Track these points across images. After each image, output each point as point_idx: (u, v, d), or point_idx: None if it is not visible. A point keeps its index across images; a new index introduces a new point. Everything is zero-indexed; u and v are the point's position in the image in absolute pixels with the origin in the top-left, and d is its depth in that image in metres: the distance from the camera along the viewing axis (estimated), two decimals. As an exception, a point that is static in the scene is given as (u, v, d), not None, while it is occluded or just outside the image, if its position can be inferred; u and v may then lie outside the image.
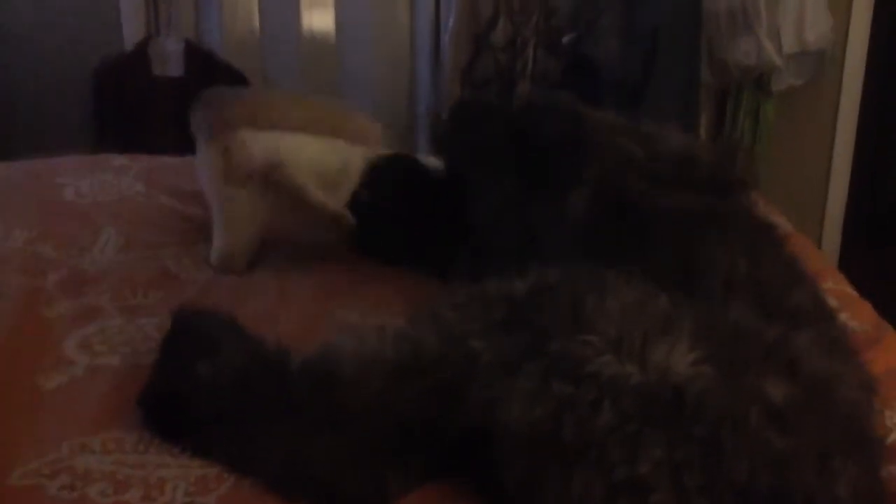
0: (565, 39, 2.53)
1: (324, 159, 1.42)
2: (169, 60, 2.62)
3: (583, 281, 0.92)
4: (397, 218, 1.43)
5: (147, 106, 2.62)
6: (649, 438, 0.77)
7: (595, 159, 1.20)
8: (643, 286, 0.91)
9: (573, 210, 1.19)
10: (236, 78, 2.64)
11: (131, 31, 2.67)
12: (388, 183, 1.44)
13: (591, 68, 2.49)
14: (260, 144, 1.38)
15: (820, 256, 1.69)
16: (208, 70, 2.64)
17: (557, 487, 0.80)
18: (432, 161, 1.52)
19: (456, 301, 0.95)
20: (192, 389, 0.99)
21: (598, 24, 2.48)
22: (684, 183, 1.15)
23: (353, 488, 0.92)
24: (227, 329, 1.05)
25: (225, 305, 1.26)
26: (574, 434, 0.79)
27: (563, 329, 0.85)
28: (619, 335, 0.83)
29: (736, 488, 0.76)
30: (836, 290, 1.36)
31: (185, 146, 2.11)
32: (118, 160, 1.80)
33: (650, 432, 0.77)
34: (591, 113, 1.27)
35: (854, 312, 1.29)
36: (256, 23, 2.75)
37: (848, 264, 2.52)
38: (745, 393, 0.79)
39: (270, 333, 1.16)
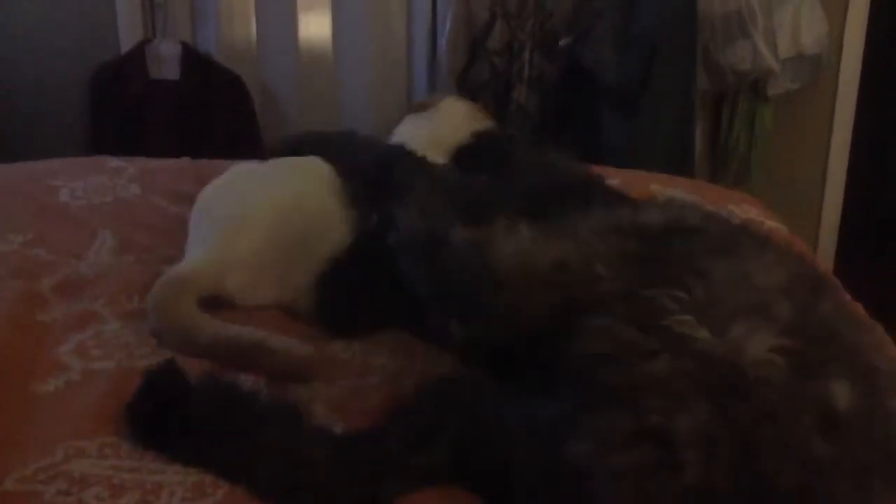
0: (561, 44, 2.54)
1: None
2: (165, 63, 2.62)
3: (717, 235, 0.93)
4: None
5: (143, 109, 2.62)
6: (694, 402, 0.76)
7: None
8: (771, 257, 0.91)
9: None
10: (233, 81, 2.65)
11: (127, 38, 2.67)
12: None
13: (588, 73, 2.49)
14: None
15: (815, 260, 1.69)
16: (205, 73, 2.65)
17: (586, 419, 0.79)
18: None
19: (594, 226, 0.95)
20: (182, 396, 0.99)
21: (594, 29, 2.48)
22: None
23: (345, 494, 0.92)
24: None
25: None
26: (621, 374, 0.79)
27: (670, 276, 0.84)
28: (711, 301, 0.82)
29: (762, 482, 0.75)
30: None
31: (181, 148, 2.11)
32: (114, 162, 1.79)
33: (697, 397, 0.77)
34: None
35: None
36: (253, 29, 2.75)
37: (844, 269, 2.52)
38: (805, 396, 0.78)
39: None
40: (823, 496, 0.76)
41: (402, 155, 1.30)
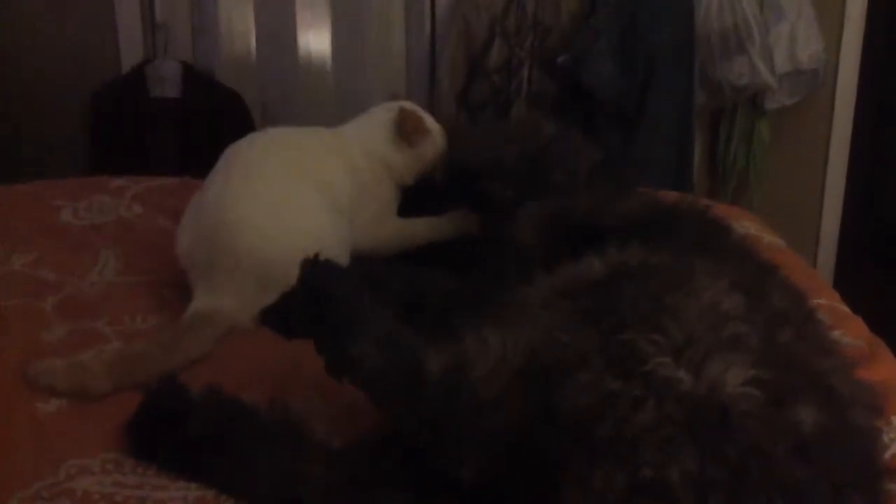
0: (560, 61, 2.55)
1: None
2: (166, 82, 2.63)
3: (669, 269, 0.92)
4: None
5: (145, 127, 2.63)
6: (684, 448, 0.77)
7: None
8: (725, 281, 0.91)
9: (520, 231, 1.21)
10: (233, 99, 2.67)
11: (129, 58, 2.69)
12: None
13: (587, 90, 2.50)
14: None
15: (813, 274, 1.70)
16: (205, 91, 2.66)
17: (580, 478, 0.79)
18: None
19: (540, 295, 0.95)
20: (183, 412, 1.00)
21: (593, 46, 2.50)
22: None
23: None
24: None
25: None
26: (610, 428, 0.79)
27: (639, 321, 0.85)
28: (686, 339, 0.83)
29: None
30: (828, 306, 1.37)
31: (183, 167, 2.12)
32: (116, 182, 1.80)
33: (687, 442, 0.77)
34: None
35: (847, 329, 1.30)
36: (253, 47, 2.77)
37: (843, 282, 2.53)
38: (779, 423, 0.79)
39: (262, 370, 1.16)
40: None
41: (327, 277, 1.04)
